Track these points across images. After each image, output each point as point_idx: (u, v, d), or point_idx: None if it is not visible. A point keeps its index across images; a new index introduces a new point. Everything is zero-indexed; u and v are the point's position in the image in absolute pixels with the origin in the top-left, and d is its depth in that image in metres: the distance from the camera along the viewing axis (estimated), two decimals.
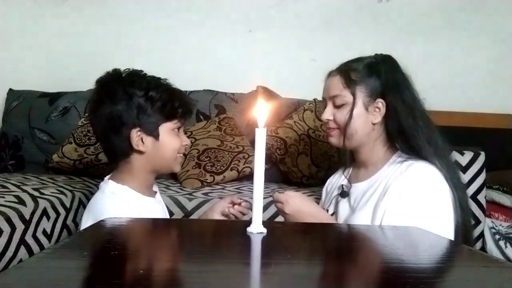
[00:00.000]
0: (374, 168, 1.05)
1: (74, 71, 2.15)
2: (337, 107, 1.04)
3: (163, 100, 0.97)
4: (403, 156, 1.01)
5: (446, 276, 0.51)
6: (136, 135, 0.96)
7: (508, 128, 2.07)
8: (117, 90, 0.96)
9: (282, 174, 1.82)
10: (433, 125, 1.04)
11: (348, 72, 1.03)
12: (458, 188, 0.99)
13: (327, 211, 1.15)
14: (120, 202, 0.95)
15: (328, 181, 1.24)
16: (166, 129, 0.99)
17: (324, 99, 1.09)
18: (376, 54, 1.08)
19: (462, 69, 2.15)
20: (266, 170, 0.68)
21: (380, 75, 1.03)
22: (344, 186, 1.11)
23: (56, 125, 1.92)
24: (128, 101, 0.96)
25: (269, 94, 2.00)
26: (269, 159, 1.80)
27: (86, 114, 1.87)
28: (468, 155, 1.45)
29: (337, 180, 1.19)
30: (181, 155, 1.05)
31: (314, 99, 1.92)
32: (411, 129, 1.01)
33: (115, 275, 0.46)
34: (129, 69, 1.00)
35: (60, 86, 2.05)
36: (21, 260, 1.14)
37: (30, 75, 2.16)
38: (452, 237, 0.94)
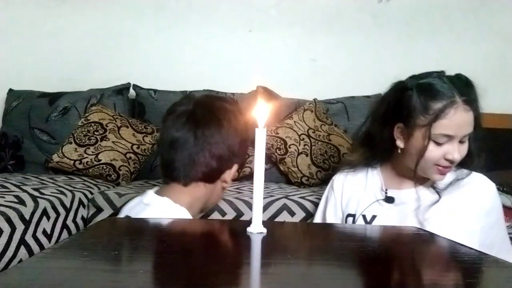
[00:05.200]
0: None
1: (74, 71, 2.15)
2: (462, 143, 0.99)
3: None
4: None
5: (446, 277, 0.51)
6: None
7: (508, 128, 2.07)
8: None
9: (282, 174, 1.82)
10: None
11: (477, 107, 0.99)
12: None
13: (354, 214, 1.12)
14: (151, 214, 0.91)
15: (345, 179, 1.18)
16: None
17: (449, 136, 0.97)
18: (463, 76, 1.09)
19: (461, 69, 2.13)
20: (266, 170, 0.68)
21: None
22: (388, 191, 1.09)
23: (56, 125, 1.92)
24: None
25: (269, 94, 2.00)
26: (269, 159, 1.80)
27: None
28: None
29: (361, 180, 1.15)
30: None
31: (314, 99, 1.91)
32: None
33: (116, 275, 0.46)
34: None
35: (60, 86, 2.05)
36: (21, 260, 1.14)
37: (30, 75, 2.16)
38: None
